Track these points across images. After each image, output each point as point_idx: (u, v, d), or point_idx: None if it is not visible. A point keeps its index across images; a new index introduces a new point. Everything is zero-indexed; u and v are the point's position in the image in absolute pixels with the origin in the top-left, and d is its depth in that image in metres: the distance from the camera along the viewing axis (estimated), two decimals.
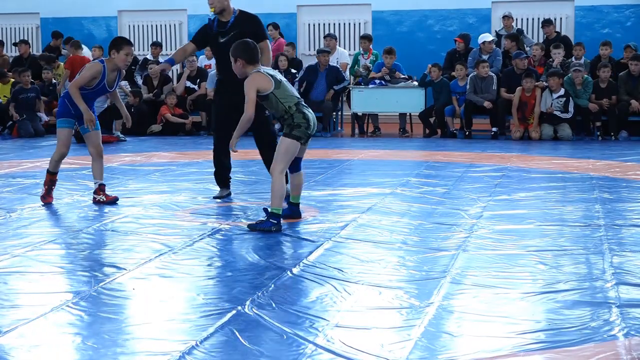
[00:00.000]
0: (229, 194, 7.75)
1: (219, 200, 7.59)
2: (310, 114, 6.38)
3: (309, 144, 6.50)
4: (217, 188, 7.81)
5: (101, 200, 7.35)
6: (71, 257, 5.54)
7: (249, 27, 7.41)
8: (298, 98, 6.38)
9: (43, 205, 7.24)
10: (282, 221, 6.28)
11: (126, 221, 6.65)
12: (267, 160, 7.39)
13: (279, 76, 6.43)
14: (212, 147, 7.69)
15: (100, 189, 7.39)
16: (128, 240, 5.96)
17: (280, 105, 6.28)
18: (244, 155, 7.54)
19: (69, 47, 15.95)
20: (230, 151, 6.69)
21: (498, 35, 15.23)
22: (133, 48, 7.29)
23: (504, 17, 15.20)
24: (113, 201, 7.35)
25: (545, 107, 13.06)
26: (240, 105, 7.07)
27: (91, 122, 7.14)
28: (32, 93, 14.35)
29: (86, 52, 15.96)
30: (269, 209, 6.26)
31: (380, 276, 4.90)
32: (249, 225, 6.32)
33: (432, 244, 5.76)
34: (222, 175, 7.72)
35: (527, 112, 13.21)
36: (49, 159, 7.46)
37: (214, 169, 7.74)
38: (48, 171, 7.35)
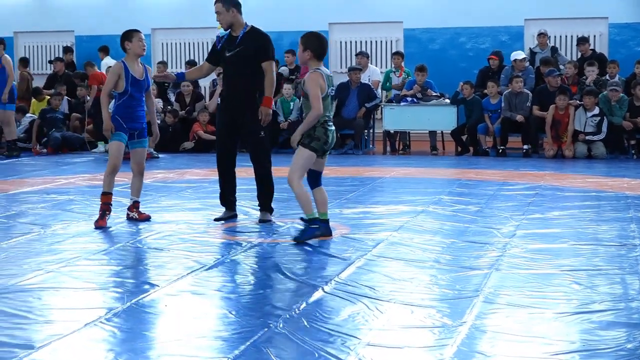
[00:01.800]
0: (234, 216, 7.58)
1: (221, 222, 7.39)
2: (332, 132, 6.43)
3: (326, 159, 6.57)
4: (249, 204, 7.84)
5: (134, 217, 7.41)
6: (104, 273, 5.57)
7: (256, 44, 7.34)
8: (328, 116, 6.41)
9: (96, 228, 7.09)
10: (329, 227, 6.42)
11: (159, 238, 6.69)
12: (260, 179, 7.43)
13: (330, 89, 6.45)
14: (216, 166, 7.62)
15: (135, 206, 7.46)
16: (160, 257, 5.99)
17: None
18: (275, 172, 7.54)
19: (86, 67, 16.14)
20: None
21: (532, 52, 15.17)
22: (142, 34, 7.46)
23: (539, 34, 15.13)
24: (145, 219, 7.39)
25: (579, 126, 12.97)
26: (242, 125, 7.14)
27: (107, 131, 7.21)
28: (59, 115, 14.63)
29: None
30: (304, 217, 6.32)
31: (412, 295, 4.88)
32: (294, 239, 6.40)
33: (465, 262, 5.73)
34: (226, 197, 7.59)
35: (560, 130, 13.13)
36: (84, 175, 7.52)
37: (219, 190, 7.64)
38: (103, 193, 7.24)
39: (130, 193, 7.54)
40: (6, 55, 13.77)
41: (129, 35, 7.37)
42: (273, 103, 7.39)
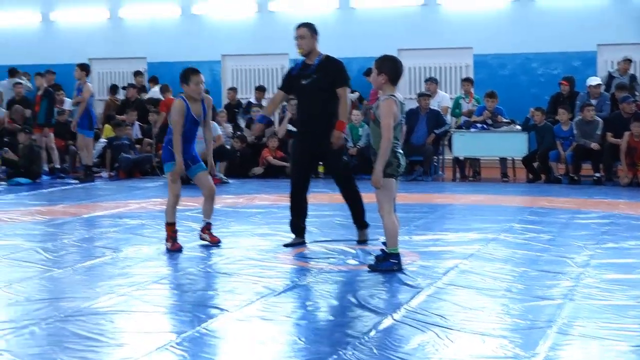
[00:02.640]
0: (302, 242, 7.58)
1: (291, 248, 7.42)
2: (402, 155, 6.40)
3: (398, 185, 6.52)
4: (318, 230, 7.85)
5: (206, 239, 7.48)
6: (175, 297, 5.63)
7: (331, 71, 7.42)
8: (396, 142, 6.35)
9: (168, 250, 7.25)
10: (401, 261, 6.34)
11: (228, 262, 6.74)
12: (351, 200, 7.45)
13: (402, 116, 6.40)
14: (289, 192, 7.64)
15: (207, 227, 7.53)
16: (230, 282, 6.03)
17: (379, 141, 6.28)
18: (343, 199, 7.56)
19: (162, 91, 16.48)
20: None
21: (610, 76, 14.91)
22: (202, 75, 7.33)
23: (624, 60, 14.89)
24: (216, 243, 7.46)
25: None
26: (324, 152, 7.16)
27: (178, 173, 7.23)
28: (125, 141, 14.88)
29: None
30: (386, 250, 6.30)
31: (483, 324, 4.81)
32: (369, 266, 6.37)
33: (537, 292, 5.63)
34: (297, 224, 7.61)
35: (636, 157, 12.86)
36: (155, 199, 7.62)
37: (290, 218, 7.65)
38: (167, 223, 7.35)
39: (202, 216, 7.61)
40: (88, 83, 14.06)
41: (186, 77, 7.25)
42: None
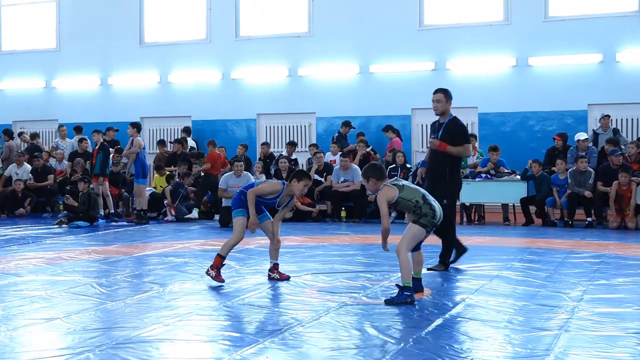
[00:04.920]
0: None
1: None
2: (437, 205, 6.44)
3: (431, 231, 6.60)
4: (341, 268, 7.81)
5: (275, 277, 7.49)
6: (214, 327, 5.61)
7: (456, 131, 7.91)
8: (423, 192, 6.45)
9: (208, 274, 7.28)
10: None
11: (261, 296, 6.71)
12: (442, 238, 7.91)
13: (401, 182, 6.57)
14: None
15: (275, 267, 7.53)
16: (262, 313, 6.01)
17: (408, 203, 6.43)
18: (364, 240, 7.53)
19: (208, 145, 16.61)
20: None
21: (595, 133, 14.87)
22: (310, 181, 7.37)
23: (603, 117, 14.87)
24: (286, 279, 7.46)
25: None
26: (434, 191, 7.22)
27: (253, 225, 7.20)
28: (184, 192, 14.91)
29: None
30: (401, 284, 6.29)
31: (487, 352, 4.75)
32: (385, 301, 6.35)
33: (536, 323, 5.56)
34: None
35: (623, 203, 12.76)
36: (197, 240, 7.61)
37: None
38: (219, 255, 7.34)
39: (270, 258, 7.60)
40: (138, 138, 14.26)
41: (301, 177, 7.21)
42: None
